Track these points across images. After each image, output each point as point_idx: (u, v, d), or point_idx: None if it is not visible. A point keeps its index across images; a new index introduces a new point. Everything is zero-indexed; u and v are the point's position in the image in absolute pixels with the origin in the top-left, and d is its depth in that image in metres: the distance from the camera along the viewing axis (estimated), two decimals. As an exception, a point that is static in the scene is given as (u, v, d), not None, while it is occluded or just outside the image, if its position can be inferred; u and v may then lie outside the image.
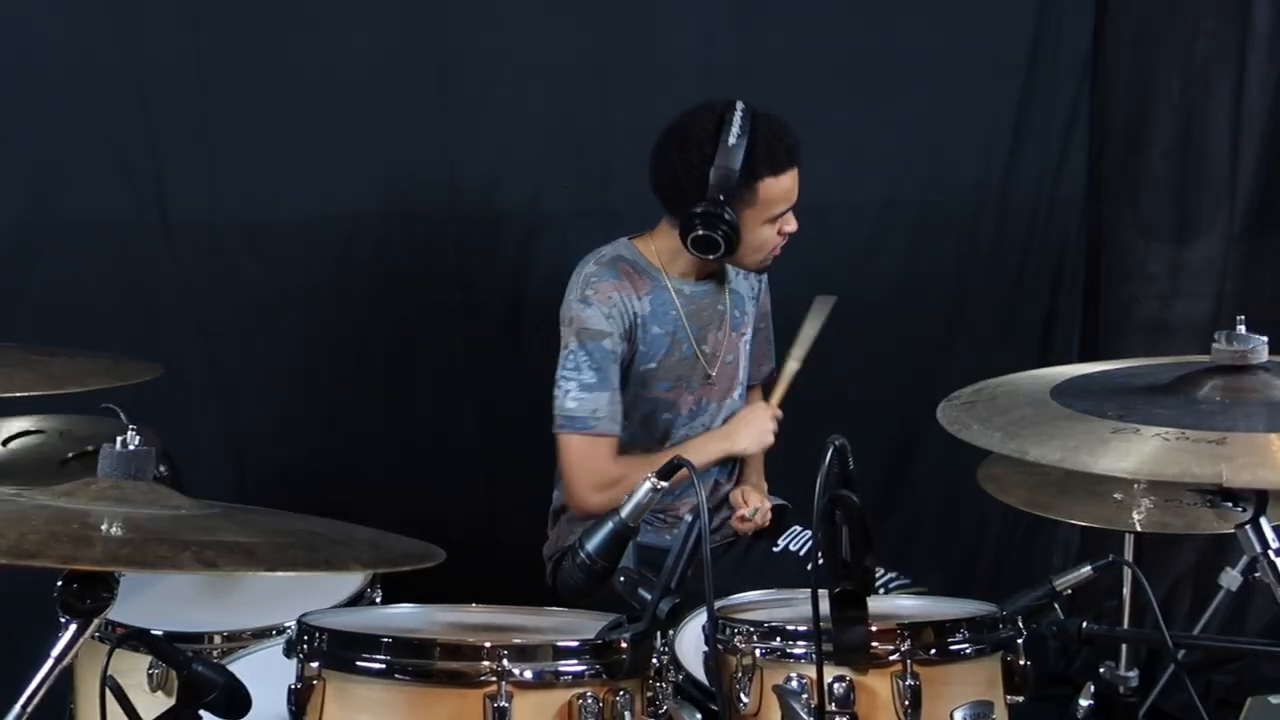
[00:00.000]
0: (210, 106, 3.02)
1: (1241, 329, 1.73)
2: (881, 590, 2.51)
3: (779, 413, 2.73)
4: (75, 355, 2.02)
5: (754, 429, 2.69)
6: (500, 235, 3.26)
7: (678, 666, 1.93)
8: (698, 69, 3.25)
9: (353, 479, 3.17)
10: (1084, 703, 2.43)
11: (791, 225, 2.62)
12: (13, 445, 2.23)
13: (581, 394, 2.54)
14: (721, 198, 2.49)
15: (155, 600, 2.16)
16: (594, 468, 2.56)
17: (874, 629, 1.76)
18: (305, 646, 1.73)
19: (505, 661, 1.66)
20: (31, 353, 1.97)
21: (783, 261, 2.71)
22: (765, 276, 2.83)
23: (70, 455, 2.17)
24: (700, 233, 2.52)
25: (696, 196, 2.50)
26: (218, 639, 2.09)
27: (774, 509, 2.77)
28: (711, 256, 2.56)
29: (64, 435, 2.25)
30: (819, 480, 1.70)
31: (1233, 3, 3.49)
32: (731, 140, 2.50)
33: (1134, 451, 1.55)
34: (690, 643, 2.02)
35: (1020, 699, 1.89)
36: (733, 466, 2.82)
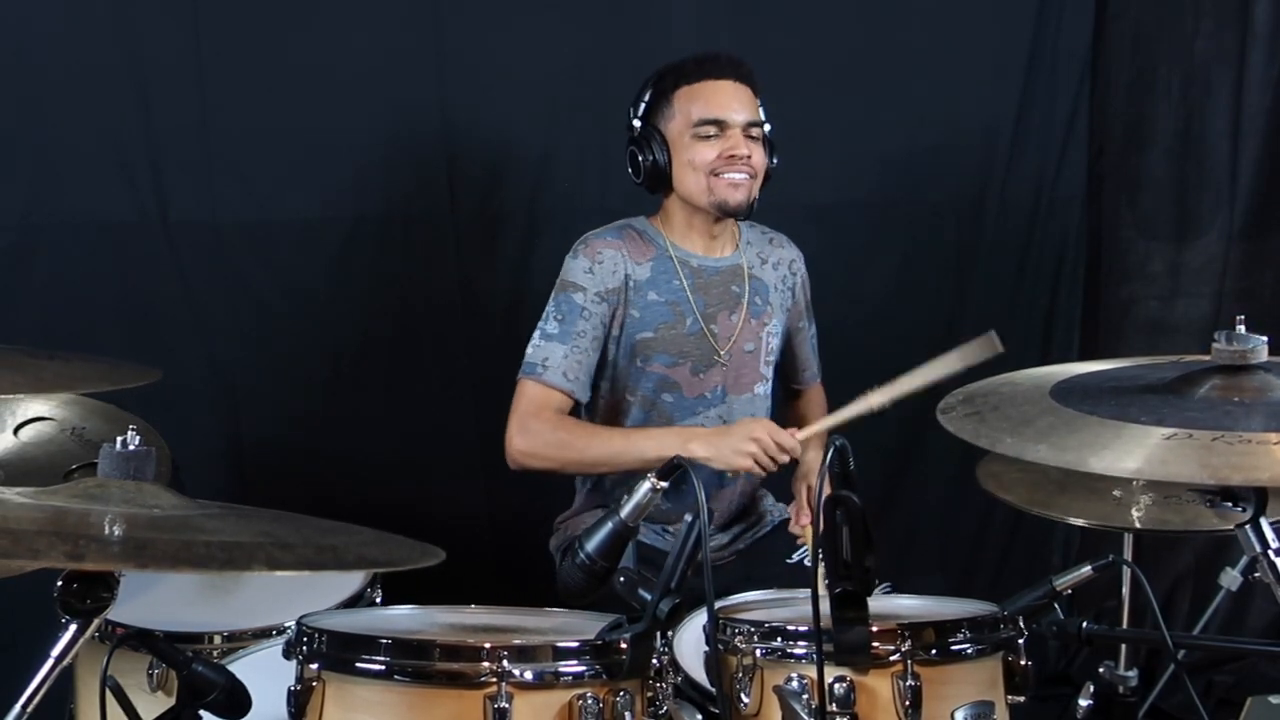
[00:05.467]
0: (210, 106, 3.02)
1: (1241, 329, 1.74)
2: None
3: (792, 441, 2.42)
4: (71, 360, 2.01)
5: (726, 443, 2.42)
6: (500, 235, 3.26)
7: (677, 667, 1.93)
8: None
9: (352, 479, 3.16)
10: (1084, 703, 2.44)
11: (737, 148, 2.54)
12: (23, 435, 2.22)
13: (540, 341, 2.55)
14: (646, 119, 2.59)
15: (155, 600, 2.16)
16: (525, 411, 2.52)
17: (875, 629, 1.76)
18: (305, 648, 1.73)
19: (505, 662, 1.66)
20: (29, 355, 1.96)
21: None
22: (802, 272, 2.79)
23: (75, 468, 2.16)
24: (630, 148, 2.61)
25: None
26: (218, 639, 2.08)
27: (787, 523, 2.73)
28: (639, 180, 2.61)
29: (76, 433, 2.24)
30: (819, 480, 1.70)
31: (1233, 3, 3.50)
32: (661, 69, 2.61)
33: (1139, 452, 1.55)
34: (690, 643, 2.02)
35: (1021, 699, 1.89)
36: (760, 477, 2.70)
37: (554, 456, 2.51)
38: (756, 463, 2.41)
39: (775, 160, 2.64)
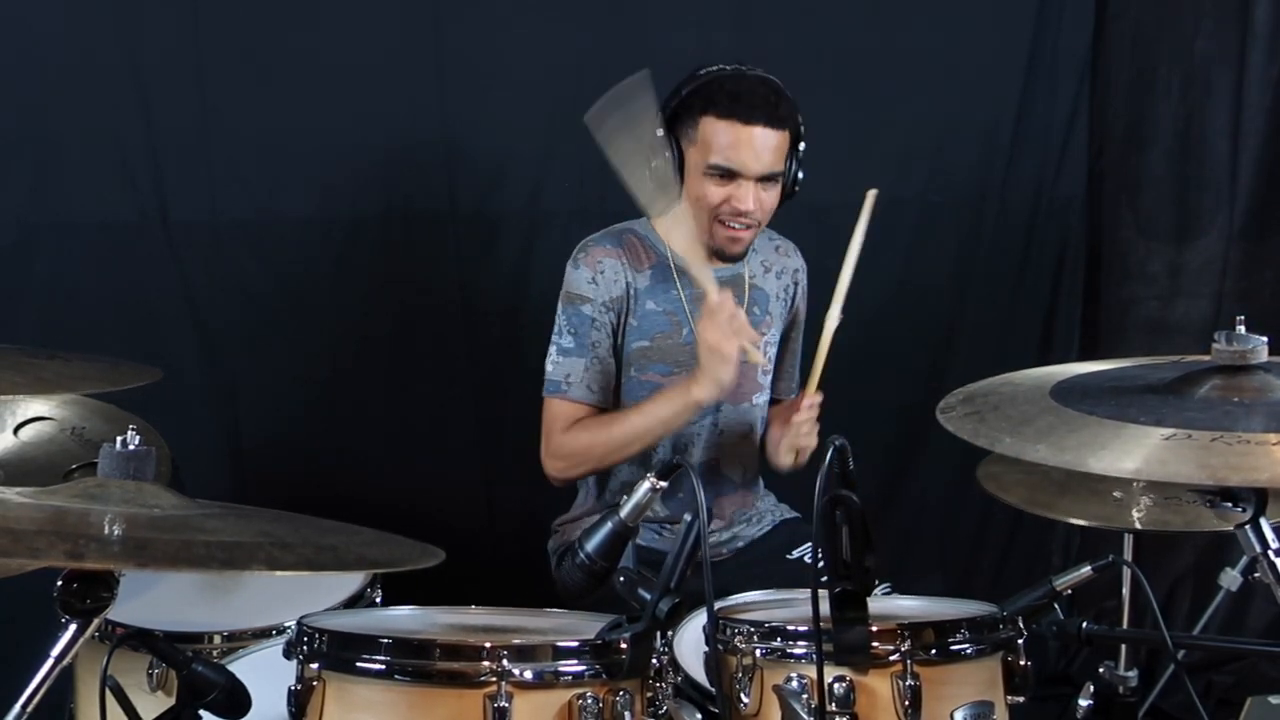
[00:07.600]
0: (210, 106, 3.02)
1: (1241, 329, 1.73)
2: None
3: (739, 316, 2.40)
4: (71, 360, 2.01)
5: (711, 371, 2.37)
6: (500, 235, 3.26)
7: (677, 667, 1.93)
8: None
9: (352, 479, 3.17)
10: (1084, 703, 2.43)
11: (744, 201, 2.47)
12: (23, 435, 2.23)
13: (559, 358, 2.55)
14: (669, 129, 2.46)
15: (155, 600, 2.16)
16: (554, 431, 2.54)
17: (874, 629, 1.76)
18: (305, 647, 1.73)
19: (505, 662, 1.66)
20: (28, 355, 1.96)
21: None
22: (803, 283, 2.77)
23: (75, 468, 2.16)
24: None
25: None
26: (218, 639, 2.08)
27: (787, 523, 2.74)
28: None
29: (75, 434, 2.24)
30: (819, 480, 1.70)
31: (1233, 3, 3.50)
32: (700, 72, 2.53)
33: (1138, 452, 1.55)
34: (690, 643, 2.02)
35: (1021, 699, 1.89)
36: (755, 475, 2.73)
37: (587, 460, 2.54)
38: (739, 350, 2.37)
39: (801, 174, 2.56)
